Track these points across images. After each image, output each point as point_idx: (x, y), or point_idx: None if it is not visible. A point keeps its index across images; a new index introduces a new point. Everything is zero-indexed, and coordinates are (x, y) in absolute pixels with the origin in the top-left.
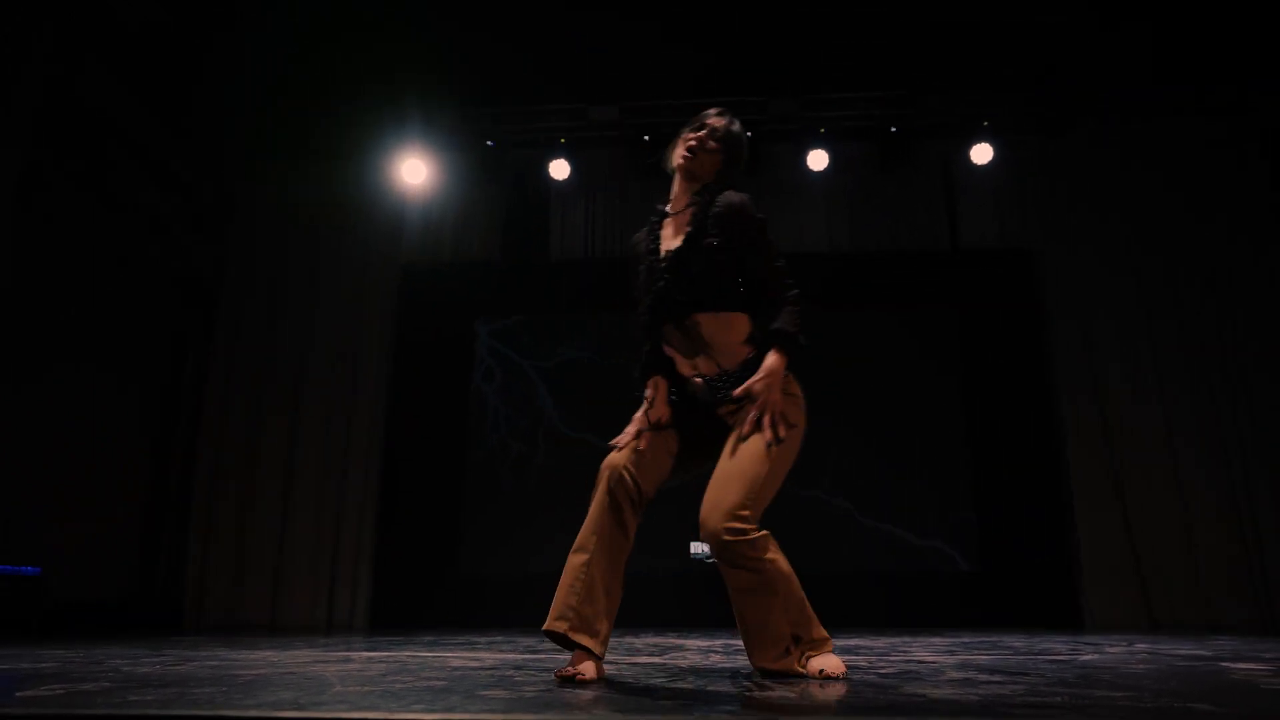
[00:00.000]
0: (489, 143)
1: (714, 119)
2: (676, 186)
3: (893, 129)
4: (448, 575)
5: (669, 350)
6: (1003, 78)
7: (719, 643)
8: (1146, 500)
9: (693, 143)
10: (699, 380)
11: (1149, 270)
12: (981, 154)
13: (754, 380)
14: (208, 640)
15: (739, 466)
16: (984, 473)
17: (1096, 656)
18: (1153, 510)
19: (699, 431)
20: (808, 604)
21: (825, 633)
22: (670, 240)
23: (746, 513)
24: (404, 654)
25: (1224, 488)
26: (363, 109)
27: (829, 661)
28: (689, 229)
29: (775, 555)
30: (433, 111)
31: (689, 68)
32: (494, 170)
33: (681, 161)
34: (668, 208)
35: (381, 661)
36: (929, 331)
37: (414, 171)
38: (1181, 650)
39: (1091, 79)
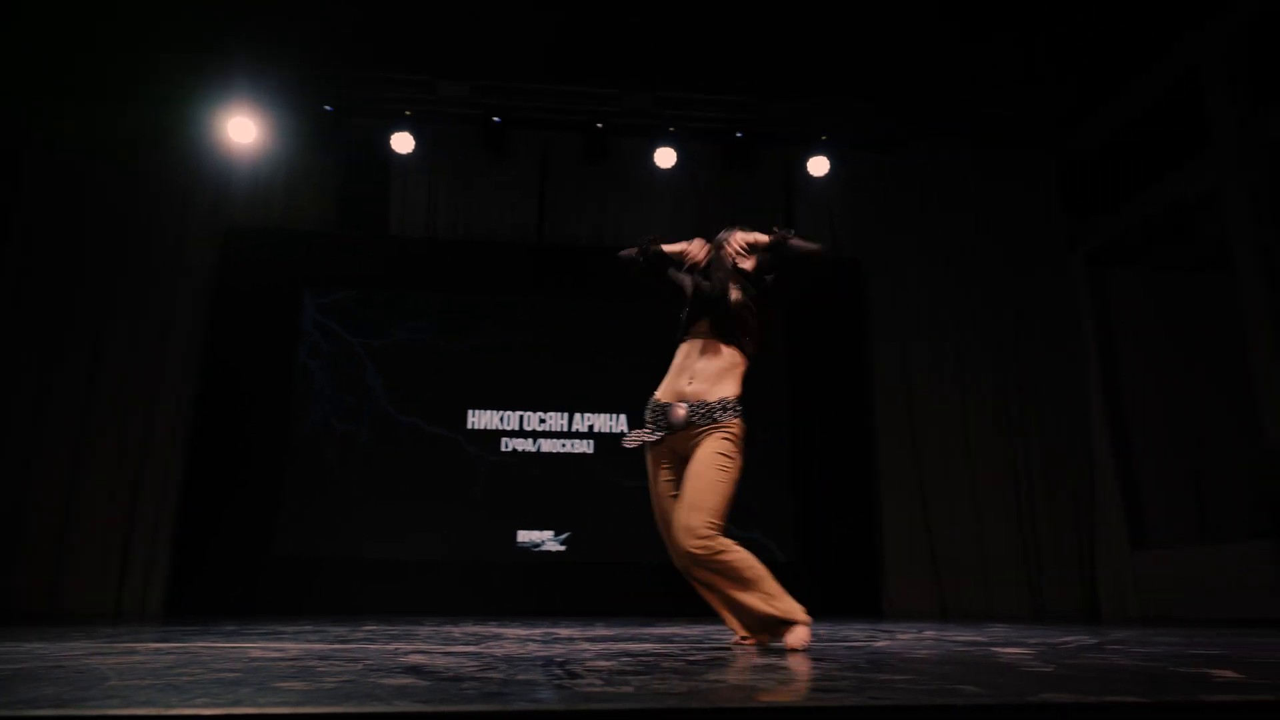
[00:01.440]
0: (327, 108)
1: (741, 231)
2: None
3: (738, 134)
4: (260, 560)
5: (672, 374)
6: (842, 94)
7: (539, 631)
8: (944, 499)
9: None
10: (676, 407)
11: (963, 283)
12: (818, 165)
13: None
14: None
15: (696, 496)
16: (802, 468)
17: (888, 643)
18: (949, 509)
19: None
20: (772, 585)
21: (796, 611)
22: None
23: (709, 532)
24: (198, 644)
25: (1009, 489)
26: (188, 55)
27: (797, 635)
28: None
29: (730, 553)
30: (266, 68)
31: (546, 52)
32: (331, 137)
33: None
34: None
35: (170, 653)
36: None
37: (242, 130)
38: (962, 637)
39: (922, 104)
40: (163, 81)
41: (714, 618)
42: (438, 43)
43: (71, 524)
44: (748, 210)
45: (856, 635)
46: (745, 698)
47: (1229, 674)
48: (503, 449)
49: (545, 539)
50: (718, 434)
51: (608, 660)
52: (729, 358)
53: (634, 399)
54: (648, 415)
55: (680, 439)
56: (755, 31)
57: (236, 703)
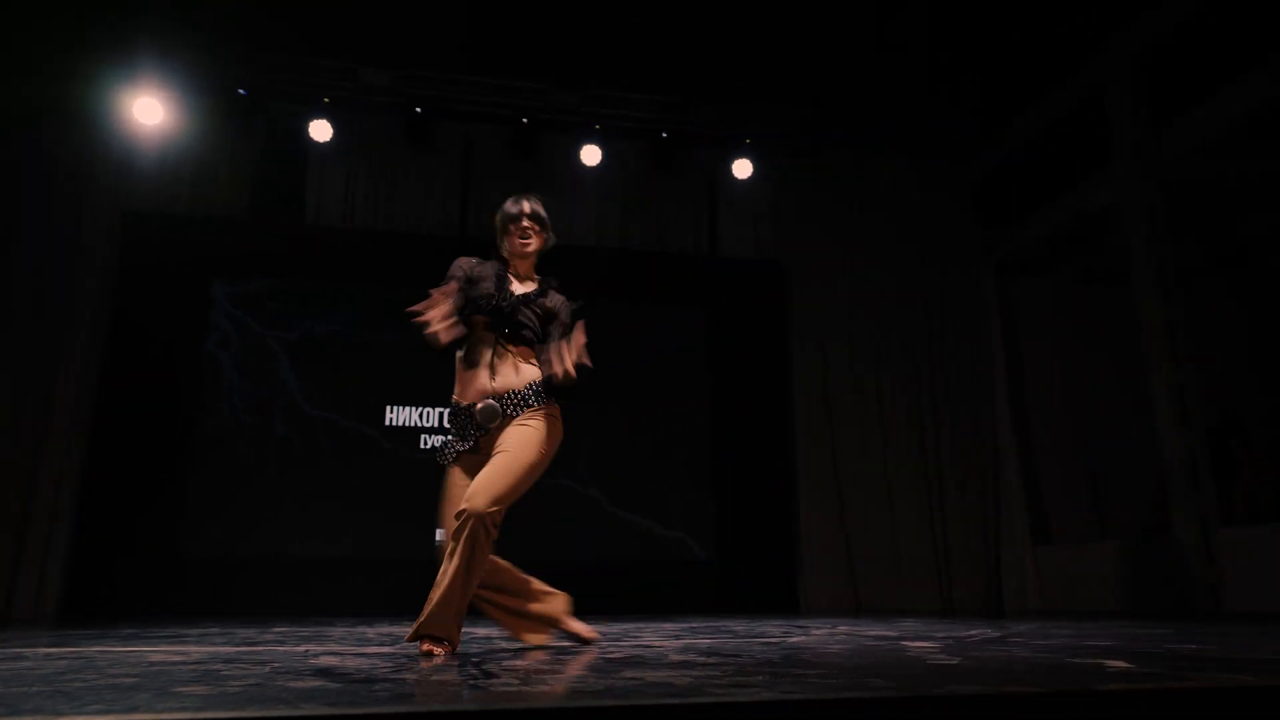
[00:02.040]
0: (241, 91)
1: (529, 203)
2: (520, 263)
3: (664, 134)
4: (164, 559)
5: (469, 376)
6: (767, 99)
7: None
8: (860, 497)
9: (528, 232)
10: (491, 402)
11: (881, 288)
12: (742, 168)
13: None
14: None
15: (504, 467)
16: (723, 467)
17: (803, 639)
18: (864, 507)
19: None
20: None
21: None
22: (518, 289)
23: (497, 506)
24: (94, 649)
25: (921, 487)
26: (89, 30)
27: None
28: (533, 295)
29: (478, 550)
30: (176, 48)
31: (473, 44)
32: (245, 121)
33: (526, 250)
34: (515, 269)
35: (63, 658)
36: (683, 329)
37: (148, 111)
38: (873, 632)
39: (845, 113)
40: (63, 57)
41: (635, 615)
42: (360, 28)
43: None
44: (673, 210)
45: (773, 631)
46: (661, 694)
47: (1120, 664)
48: (422, 446)
49: None
50: (525, 420)
51: (524, 660)
52: (525, 354)
53: None
54: (452, 425)
55: (492, 438)
56: (683, 33)
57: (132, 709)
